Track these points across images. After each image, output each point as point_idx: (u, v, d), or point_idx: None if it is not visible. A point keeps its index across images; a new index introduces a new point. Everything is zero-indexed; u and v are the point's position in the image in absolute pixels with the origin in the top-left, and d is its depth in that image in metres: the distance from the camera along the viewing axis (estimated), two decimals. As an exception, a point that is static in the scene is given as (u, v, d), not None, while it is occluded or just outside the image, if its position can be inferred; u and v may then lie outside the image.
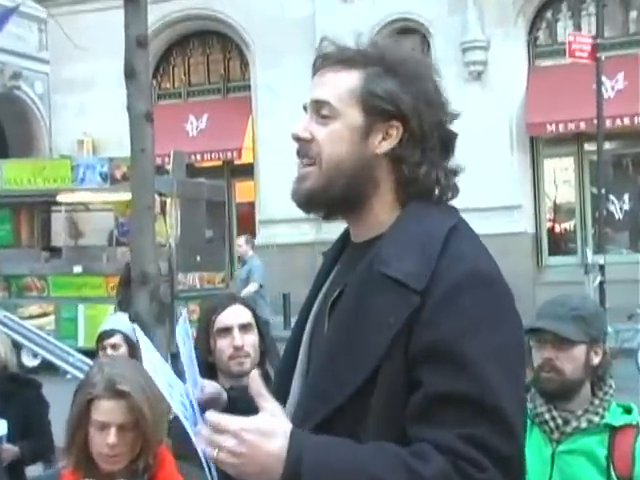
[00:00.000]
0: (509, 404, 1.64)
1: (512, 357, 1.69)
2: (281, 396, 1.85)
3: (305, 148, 1.83)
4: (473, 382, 1.63)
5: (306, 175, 1.83)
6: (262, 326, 3.24)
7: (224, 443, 1.60)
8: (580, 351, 2.83)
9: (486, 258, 1.78)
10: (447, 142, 1.86)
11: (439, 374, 1.65)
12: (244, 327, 3.12)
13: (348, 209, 1.84)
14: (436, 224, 1.78)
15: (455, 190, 1.87)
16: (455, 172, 1.87)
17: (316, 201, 1.83)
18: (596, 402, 2.86)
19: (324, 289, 1.91)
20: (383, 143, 1.80)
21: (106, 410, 2.66)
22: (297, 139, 1.84)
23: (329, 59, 1.85)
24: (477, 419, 1.62)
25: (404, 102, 1.80)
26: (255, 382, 1.66)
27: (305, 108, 1.87)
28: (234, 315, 3.13)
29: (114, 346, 4.57)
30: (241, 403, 1.97)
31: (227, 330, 3.10)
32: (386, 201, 1.83)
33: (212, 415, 1.64)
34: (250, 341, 3.12)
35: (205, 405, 1.87)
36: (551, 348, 2.82)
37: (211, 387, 2.15)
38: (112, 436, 2.64)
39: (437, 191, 1.84)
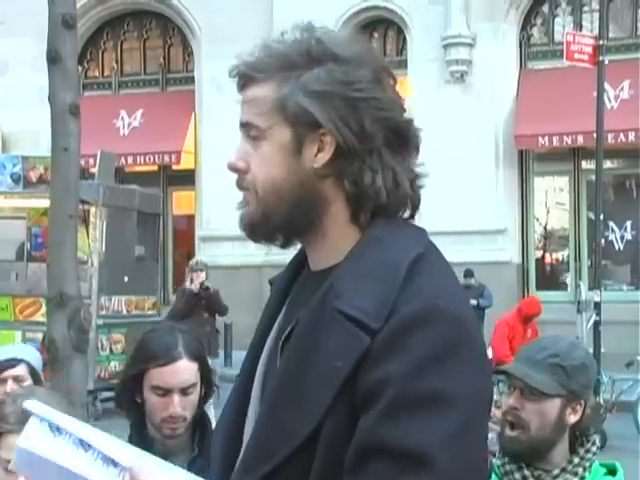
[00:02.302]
0: (444, 457, 1.68)
1: (461, 406, 1.71)
2: (233, 441, 1.93)
3: (240, 179, 1.89)
4: (401, 430, 1.68)
5: (246, 200, 1.90)
6: (207, 372, 3.24)
7: None
8: (552, 406, 2.85)
9: (451, 293, 1.81)
10: (400, 134, 1.88)
11: (369, 421, 1.70)
12: (186, 389, 3.12)
13: (300, 235, 1.90)
14: (399, 252, 1.82)
15: (418, 198, 1.90)
16: (416, 175, 1.90)
17: (258, 229, 1.90)
18: (575, 460, 2.89)
19: (278, 322, 1.96)
20: (319, 155, 1.84)
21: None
22: (232, 169, 1.90)
23: (245, 75, 1.90)
24: (401, 472, 1.67)
25: (332, 104, 1.83)
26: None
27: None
28: (178, 376, 3.10)
29: (17, 378, 4.43)
30: None
31: (165, 391, 3.10)
32: (341, 222, 1.87)
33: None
34: (190, 403, 3.13)
35: None
36: (519, 396, 2.85)
37: None
38: (22, 478, 2.66)
39: (394, 201, 1.87)
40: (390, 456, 1.69)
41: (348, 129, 1.83)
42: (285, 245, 1.94)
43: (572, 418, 2.88)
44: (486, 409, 1.82)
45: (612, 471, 2.94)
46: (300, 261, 1.99)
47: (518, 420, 2.85)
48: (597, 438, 2.99)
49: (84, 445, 1.71)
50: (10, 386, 4.37)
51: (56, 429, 1.72)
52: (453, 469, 1.69)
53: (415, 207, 1.91)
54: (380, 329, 1.74)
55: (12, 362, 4.49)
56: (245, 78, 1.90)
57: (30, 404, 1.79)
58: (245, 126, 1.90)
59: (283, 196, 1.86)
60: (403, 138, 1.89)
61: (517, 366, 2.88)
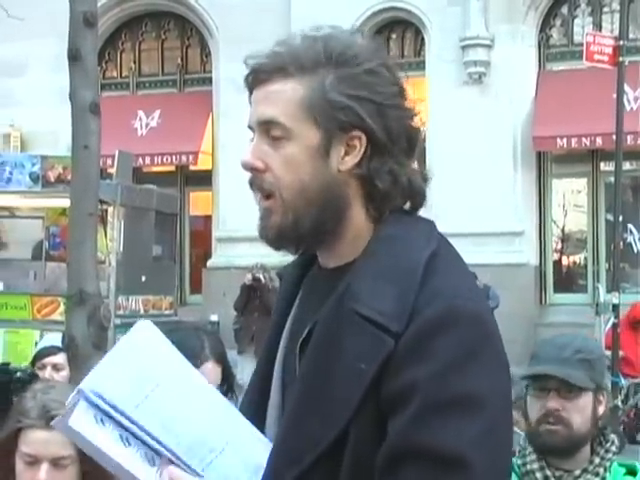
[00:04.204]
0: (478, 458, 1.70)
1: (489, 406, 1.74)
2: None
3: (259, 179, 1.87)
4: (435, 434, 1.70)
5: (270, 209, 1.87)
6: (228, 375, 3.28)
7: None
8: (587, 400, 2.88)
9: (468, 291, 1.83)
10: (412, 141, 1.91)
11: (402, 425, 1.72)
12: None
13: (322, 239, 1.89)
14: (413, 251, 1.83)
15: (423, 199, 1.93)
16: (425, 177, 1.93)
17: (288, 237, 1.88)
18: (596, 461, 2.90)
19: (291, 318, 1.97)
20: (346, 158, 1.84)
21: (37, 441, 2.66)
22: (248, 169, 1.88)
23: (266, 70, 1.86)
24: (437, 475, 1.70)
25: (364, 107, 1.83)
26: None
27: (251, 129, 1.91)
28: (205, 378, 3.15)
29: (56, 366, 4.53)
30: None
31: None
32: (358, 221, 1.88)
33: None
34: None
35: None
36: (557, 397, 2.86)
37: None
38: (42, 472, 2.64)
39: (409, 202, 1.91)
40: (425, 459, 1.70)
41: (382, 130, 1.84)
42: (298, 252, 1.95)
43: (601, 409, 2.92)
44: (511, 405, 1.84)
45: (632, 471, 2.94)
46: (308, 257, 1.99)
47: (561, 420, 2.86)
48: (616, 438, 3.00)
49: (125, 440, 1.73)
50: (49, 372, 4.49)
51: (101, 420, 1.74)
52: (487, 469, 1.72)
53: (421, 205, 1.94)
54: (402, 332, 1.75)
55: (52, 350, 4.63)
56: (268, 73, 1.86)
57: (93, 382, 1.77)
58: (266, 124, 1.86)
59: (312, 200, 1.84)
60: (415, 145, 1.91)
61: (551, 367, 2.88)
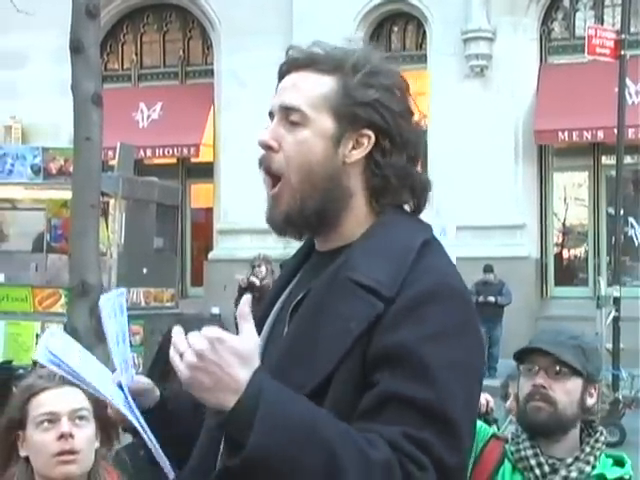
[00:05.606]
0: (460, 417, 1.86)
1: (469, 373, 1.91)
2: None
3: (269, 159, 2.01)
4: (427, 388, 1.84)
5: (278, 195, 2.00)
6: None
7: (197, 344, 1.77)
8: (576, 385, 2.94)
9: (455, 275, 1.99)
10: (417, 152, 2.06)
11: (394, 375, 1.85)
12: None
13: (323, 224, 2.03)
14: (409, 236, 1.99)
15: (425, 203, 2.08)
16: (427, 185, 2.08)
17: (294, 222, 2.01)
18: (587, 450, 2.96)
19: (283, 297, 2.09)
20: (353, 152, 2.00)
21: (53, 398, 2.68)
22: (264, 147, 2.01)
23: (298, 63, 2.04)
24: (425, 425, 1.82)
25: (383, 111, 2.00)
26: (245, 305, 1.83)
27: (271, 114, 2.04)
28: None
29: None
30: (171, 403, 2.18)
31: None
32: (360, 212, 2.03)
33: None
34: None
35: (134, 396, 2.08)
36: (544, 375, 2.93)
37: (143, 378, 2.24)
38: (65, 425, 2.65)
39: (411, 203, 2.05)
40: (414, 408, 1.82)
41: (394, 135, 2.00)
42: (302, 236, 2.08)
43: (590, 401, 2.97)
44: (481, 380, 2.00)
45: (619, 462, 3.00)
46: (312, 244, 2.12)
47: (546, 399, 2.92)
48: (604, 430, 3.06)
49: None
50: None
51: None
52: (464, 428, 1.87)
53: (422, 207, 2.09)
54: (392, 298, 1.88)
55: None
56: (301, 64, 2.03)
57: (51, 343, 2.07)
58: (287, 109, 2.00)
59: (316, 185, 1.98)
60: (418, 158, 2.07)
61: (543, 345, 2.95)
